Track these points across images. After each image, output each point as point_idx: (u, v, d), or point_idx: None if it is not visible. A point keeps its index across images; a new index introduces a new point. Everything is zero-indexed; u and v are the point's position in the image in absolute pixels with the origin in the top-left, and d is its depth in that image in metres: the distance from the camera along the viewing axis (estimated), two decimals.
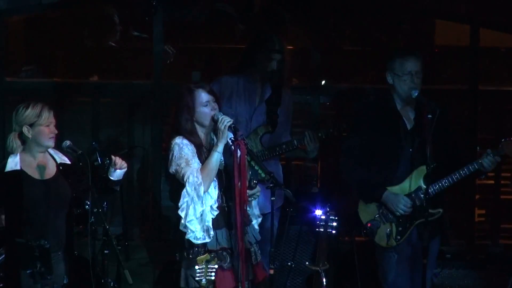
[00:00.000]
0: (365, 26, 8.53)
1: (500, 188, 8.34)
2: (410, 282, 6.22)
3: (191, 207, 5.65)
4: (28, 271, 5.46)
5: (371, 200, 6.24)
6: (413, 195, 6.20)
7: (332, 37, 8.53)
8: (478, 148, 8.16)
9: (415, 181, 6.20)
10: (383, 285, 6.31)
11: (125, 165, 5.75)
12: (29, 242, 5.48)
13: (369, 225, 6.15)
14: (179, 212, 5.68)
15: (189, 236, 5.67)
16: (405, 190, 6.21)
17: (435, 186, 6.16)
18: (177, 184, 5.76)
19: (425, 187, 6.10)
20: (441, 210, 6.17)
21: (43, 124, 5.62)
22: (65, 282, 5.66)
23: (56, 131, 5.67)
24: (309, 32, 8.30)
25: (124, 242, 7.27)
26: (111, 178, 5.74)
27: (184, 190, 5.65)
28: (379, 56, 8.35)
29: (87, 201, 5.87)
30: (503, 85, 8.54)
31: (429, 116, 6.03)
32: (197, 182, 5.64)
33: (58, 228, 5.65)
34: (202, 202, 5.68)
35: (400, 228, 6.20)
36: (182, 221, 5.68)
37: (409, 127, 6.26)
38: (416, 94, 6.15)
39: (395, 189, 6.21)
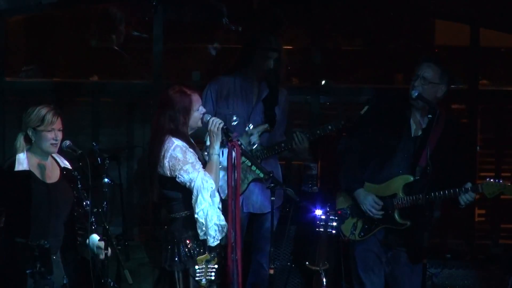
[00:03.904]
0: (365, 26, 8.53)
1: None
2: (378, 279, 6.29)
3: (209, 214, 5.55)
4: (28, 271, 5.46)
5: (346, 190, 6.29)
6: (387, 200, 6.20)
7: (332, 37, 8.53)
8: (478, 148, 8.16)
9: (395, 186, 6.19)
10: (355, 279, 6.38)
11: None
12: (29, 242, 5.49)
13: (339, 212, 6.19)
14: (199, 218, 5.56)
15: (210, 242, 5.58)
16: (381, 192, 6.21)
17: (409, 198, 6.15)
18: (173, 185, 5.65)
19: (402, 196, 6.15)
20: (408, 222, 6.16)
21: (45, 129, 5.61)
22: (65, 282, 5.66)
23: (60, 137, 5.65)
24: (309, 32, 8.30)
25: (124, 242, 7.27)
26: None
27: (200, 197, 5.55)
28: (379, 56, 8.35)
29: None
30: (503, 85, 8.54)
31: (429, 116, 6.02)
32: (212, 188, 5.57)
33: (58, 229, 5.66)
34: (214, 205, 5.62)
35: (366, 226, 6.24)
36: (201, 230, 5.57)
37: (413, 133, 6.24)
38: (416, 94, 6.13)
39: (372, 186, 6.22)
